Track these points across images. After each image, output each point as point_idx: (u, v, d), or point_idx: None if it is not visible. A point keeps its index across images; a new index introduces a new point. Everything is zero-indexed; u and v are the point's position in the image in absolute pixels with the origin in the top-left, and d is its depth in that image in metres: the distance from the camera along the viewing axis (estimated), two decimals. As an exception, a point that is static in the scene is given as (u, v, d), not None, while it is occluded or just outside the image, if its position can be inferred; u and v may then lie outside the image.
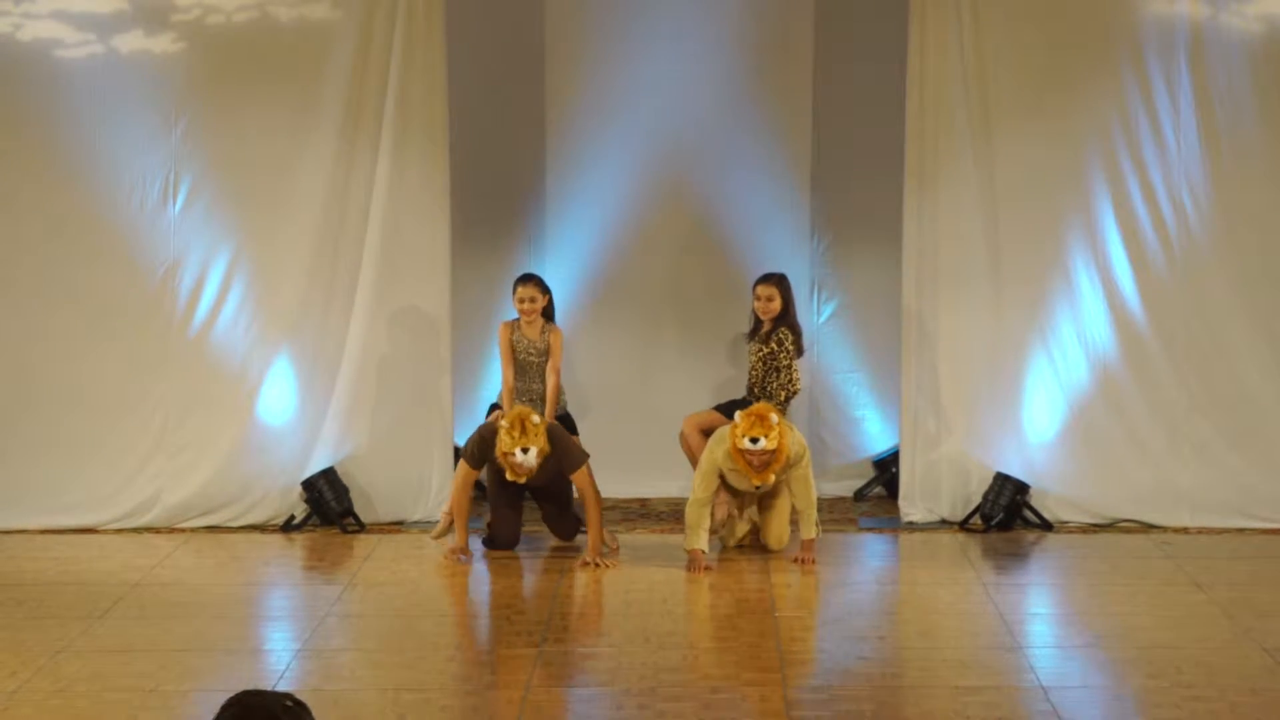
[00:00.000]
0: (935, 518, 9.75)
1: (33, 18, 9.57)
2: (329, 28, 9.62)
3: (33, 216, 9.65)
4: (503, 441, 8.60)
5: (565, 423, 9.25)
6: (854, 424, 10.68)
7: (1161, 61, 9.59)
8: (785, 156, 10.50)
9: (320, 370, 9.74)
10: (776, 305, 9.38)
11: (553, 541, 9.25)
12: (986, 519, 9.56)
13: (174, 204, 9.70)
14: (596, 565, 8.69)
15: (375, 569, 8.76)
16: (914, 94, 9.64)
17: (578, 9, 10.54)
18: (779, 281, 9.43)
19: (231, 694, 3.69)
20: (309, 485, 9.63)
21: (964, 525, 9.63)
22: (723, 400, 9.62)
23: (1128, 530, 9.55)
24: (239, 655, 7.32)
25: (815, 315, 10.58)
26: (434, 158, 9.65)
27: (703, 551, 8.69)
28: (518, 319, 9.39)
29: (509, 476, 8.71)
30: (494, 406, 9.57)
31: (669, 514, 9.85)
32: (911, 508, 9.77)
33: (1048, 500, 9.66)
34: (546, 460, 8.67)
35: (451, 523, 9.06)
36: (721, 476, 8.78)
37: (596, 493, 8.82)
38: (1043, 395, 9.73)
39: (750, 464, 8.57)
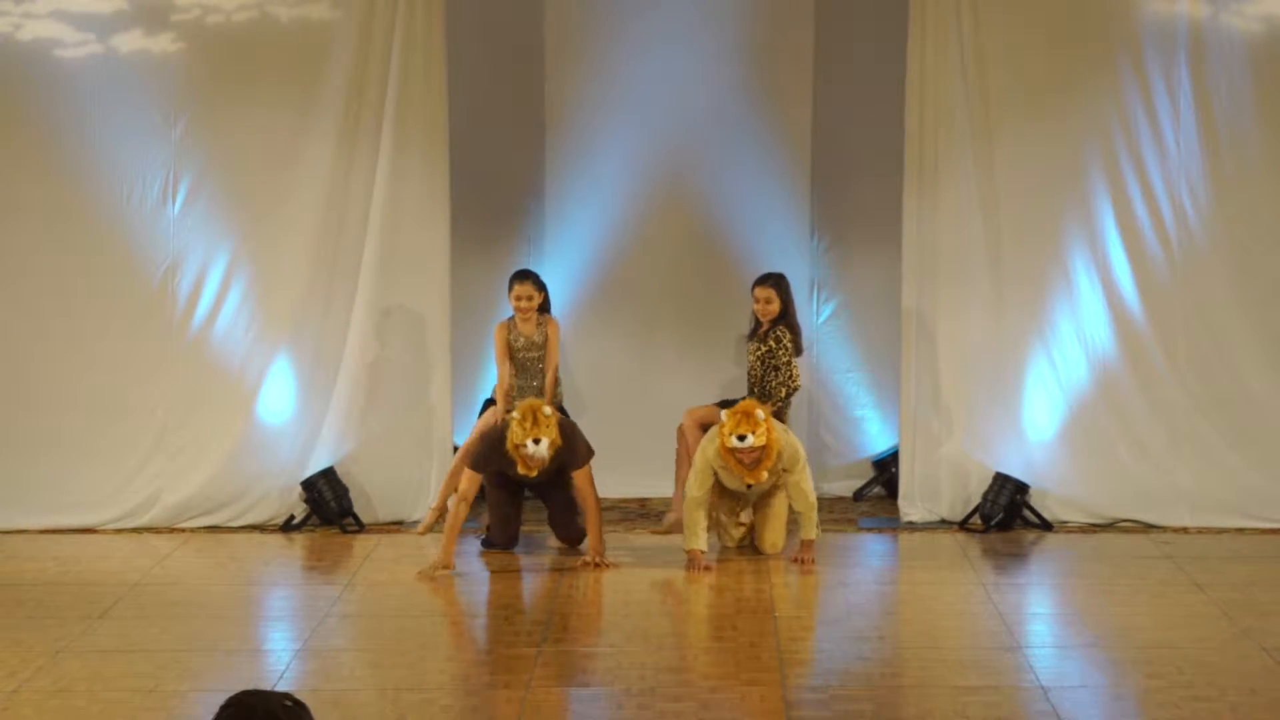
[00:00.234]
0: (935, 518, 9.74)
1: (33, 18, 9.57)
2: (329, 28, 9.62)
3: (33, 216, 9.65)
4: (514, 433, 8.58)
5: (561, 417, 9.25)
6: (854, 424, 10.67)
7: (1161, 62, 9.59)
8: (785, 156, 10.50)
9: (320, 370, 9.74)
10: (775, 306, 9.37)
11: (552, 541, 9.24)
12: (986, 519, 9.56)
13: (173, 204, 9.70)
14: (598, 565, 8.69)
15: (375, 569, 8.76)
16: (914, 94, 9.65)
17: (578, 9, 10.53)
18: (776, 283, 9.42)
19: (231, 694, 3.69)
20: (309, 485, 9.63)
21: (964, 525, 9.63)
22: (727, 398, 9.60)
23: (1128, 530, 9.55)
24: (239, 655, 7.32)
25: (815, 315, 10.57)
26: (434, 158, 9.65)
27: (702, 551, 8.69)
28: (513, 317, 9.39)
29: (520, 469, 8.69)
30: (488, 402, 9.57)
31: (668, 514, 9.83)
32: (911, 508, 9.77)
33: (1047, 500, 9.66)
34: (556, 453, 8.66)
35: (438, 518, 9.05)
36: (715, 476, 8.77)
37: (596, 493, 8.82)
38: (1042, 395, 9.73)
39: (740, 461, 8.56)
